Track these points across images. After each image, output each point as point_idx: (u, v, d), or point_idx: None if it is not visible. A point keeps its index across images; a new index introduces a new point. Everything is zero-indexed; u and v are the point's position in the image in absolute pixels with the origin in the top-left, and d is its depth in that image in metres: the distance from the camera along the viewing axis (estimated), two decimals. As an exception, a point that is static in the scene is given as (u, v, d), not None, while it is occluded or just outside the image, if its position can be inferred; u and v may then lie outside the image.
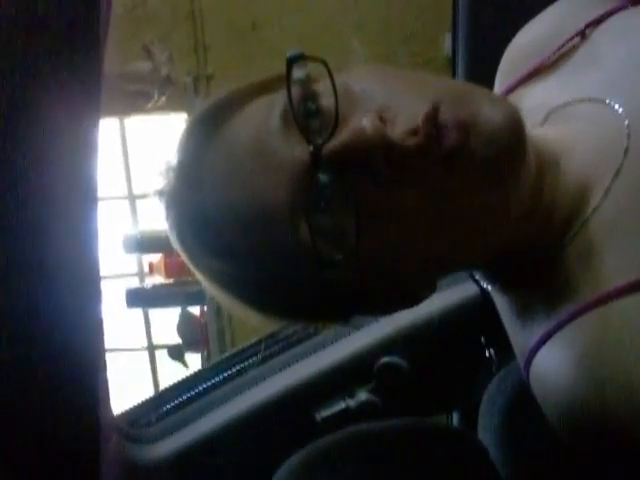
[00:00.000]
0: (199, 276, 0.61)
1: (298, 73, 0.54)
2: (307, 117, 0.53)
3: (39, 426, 0.46)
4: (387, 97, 0.53)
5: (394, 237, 0.53)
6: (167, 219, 0.60)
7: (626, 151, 0.57)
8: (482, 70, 0.78)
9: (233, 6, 2.44)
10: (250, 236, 0.54)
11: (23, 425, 0.45)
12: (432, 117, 0.50)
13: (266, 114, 0.54)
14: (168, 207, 0.60)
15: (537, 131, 0.64)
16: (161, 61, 2.45)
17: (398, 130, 0.51)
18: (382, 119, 0.51)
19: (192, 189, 0.57)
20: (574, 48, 0.68)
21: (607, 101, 0.61)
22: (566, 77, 0.67)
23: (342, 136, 0.51)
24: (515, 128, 0.52)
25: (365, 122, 0.50)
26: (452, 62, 1.13)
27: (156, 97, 2.45)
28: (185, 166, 0.58)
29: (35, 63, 0.42)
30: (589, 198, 0.58)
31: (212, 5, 2.46)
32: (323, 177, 0.52)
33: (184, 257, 0.61)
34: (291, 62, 0.53)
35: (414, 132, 0.50)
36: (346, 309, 0.62)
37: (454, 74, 1.11)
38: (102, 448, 0.50)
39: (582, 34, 0.68)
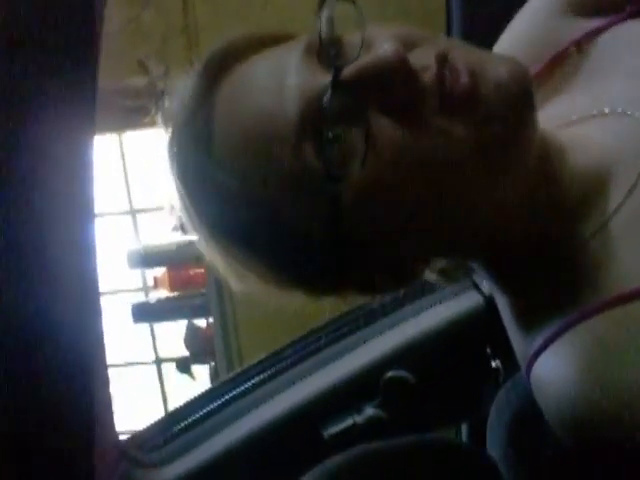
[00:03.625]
0: (197, 228, 0.60)
1: (325, 22, 0.54)
2: (331, 48, 0.54)
3: (34, 445, 0.46)
4: (403, 39, 0.53)
5: (400, 170, 0.52)
6: (169, 151, 0.60)
7: None
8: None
9: (228, 20, 2.43)
10: (257, 155, 0.54)
11: (15, 442, 0.45)
12: (443, 58, 0.52)
13: (288, 50, 0.55)
14: (172, 138, 0.59)
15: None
16: (157, 76, 2.45)
17: (414, 61, 0.52)
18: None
19: (199, 115, 0.57)
20: (571, 61, 0.68)
21: (624, 111, 0.61)
22: (572, 93, 0.67)
23: (364, 58, 0.52)
24: (522, 79, 0.52)
25: (388, 46, 0.51)
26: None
27: (153, 112, 2.45)
28: (194, 97, 0.58)
29: (30, 79, 0.42)
30: (609, 197, 0.58)
31: (207, 19, 2.46)
32: (340, 99, 0.52)
33: (181, 194, 0.59)
34: None
35: (428, 67, 0.52)
36: (339, 266, 0.59)
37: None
38: (103, 470, 0.50)
39: (577, 45, 0.67)
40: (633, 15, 0.66)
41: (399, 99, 0.51)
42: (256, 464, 0.95)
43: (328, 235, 0.56)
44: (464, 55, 0.53)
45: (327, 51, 0.53)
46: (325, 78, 0.52)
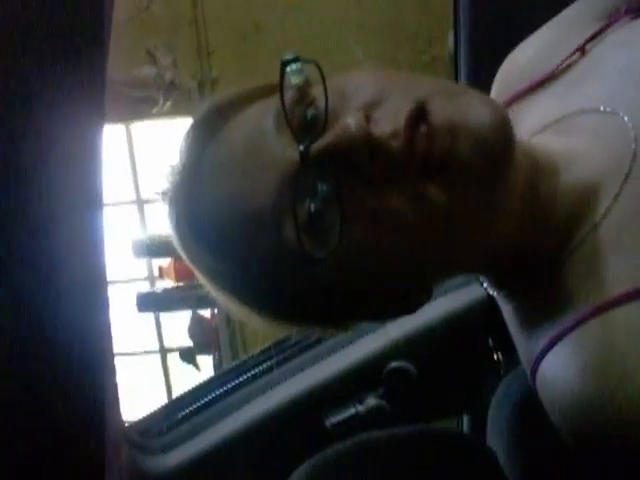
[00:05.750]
0: (198, 274, 0.62)
1: (296, 78, 0.54)
2: (300, 119, 0.54)
3: (44, 433, 0.46)
4: (376, 95, 0.53)
5: (378, 237, 0.52)
6: (169, 220, 0.61)
7: (634, 156, 0.57)
8: (484, 67, 0.78)
9: (236, 10, 2.43)
10: (241, 235, 0.55)
11: (27, 431, 0.46)
12: (415, 117, 0.51)
13: (262, 117, 0.55)
14: (169, 206, 0.61)
15: (535, 139, 0.63)
16: (165, 66, 2.45)
17: (382, 130, 0.51)
18: (368, 118, 0.52)
19: (191, 188, 0.58)
20: (574, 64, 0.68)
21: (611, 110, 0.61)
22: (566, 91, 0.67)
23: (329, 135, 0.51)
24: (503, 130, 0.51)
25: (350, 120, 0.51)
26: (454, 60, 1.13)
27: (161, 102, 2.46)
28: (183, 168, 0.60)
29: (39, 69, 0.42)
30: (597, 203, 0.58)
31: (215, 9, 2.46)
32: (311, 175, 0.52)
33: (184, 255, 0.61)
34: (285, 65, 0.54)
35: (397, 134, 0.51)
36: (340, 313, 0.62)
37: (456, 72, 1.11)
38: (111, 458, 0.50)
39: (582, 50, 0.68)
40: (629, 13, 0.67)
41: (369, 170, 0.51)
42: (258, 452, 0.96)
43: (321, 296, 0.58)
44: (440, 108, 0.51)
45: (293, 127, 0.53)
46: (296, 151, 0.52)
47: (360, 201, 0.52)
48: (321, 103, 0.54)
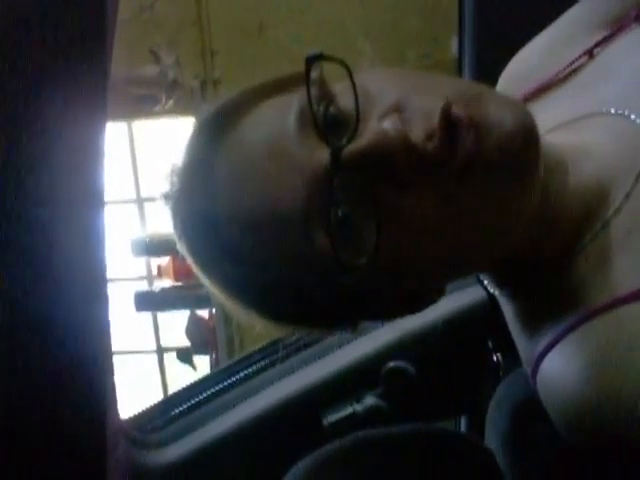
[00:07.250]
0: (206, 282, 0.59)
1: (313, 74, 0.52)
2: (325, 119, 0.52)
3: (45, 430, 0.46)
4: (403, 95, 0.52)
5: (413, 241, 0.51)
6: (174, 224, 0.58)
7: None
8: (488, 72, 0.78)
9: (240, 10, 2.43)
10: (263, 242, 0.53)
11: (28, 428, 0.45)
12: (447, 115, 0.50)
13: (281, 115, 0.53)
14: (175, 211, 0.58)
15: (545, 138, 0.63)
16: (168, 65, 2.45)
17: (416, 131, 0.50)
18: (402, 120, 0.50)
19: (201, 193, 0.55)
20: (582, 67, 0.68)
21: (622, 112, 0.61)
22: (577, 94, 0.67)
23: (364, 139, 0.50)
24: (528, 129, 0.51)
25: (387, 124, 0.49)
26: (458, 64, 1.14)
27: (163, 101, 2.46)
28: (193, 169, 0.56)
29: (42, 67, 0.42)
30: (608, 202, 0.58)
31: (219, 9, 2.46)
32: (342, 180, 0.50)
33: (191, 262, 0.59)
34: (310, 62, 0.52)
35: (431, 135, 0.50)
36: (355, 313, 0.60)
37: (460, 76, 1.11)
38: (109, 453, 0.50)
39: (590, 53, 0.68)
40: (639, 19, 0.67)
41: (404, 174, 0.50)
42: (255, 449, 0.96)
43: (344, 299, 0.56)
44: (466, 108, 0.50)
45: (322, 129, 0.51)
46: (324, 153, 0.50)
47: (395, 206, 0.50)
48: (344, 102, 0.52)
